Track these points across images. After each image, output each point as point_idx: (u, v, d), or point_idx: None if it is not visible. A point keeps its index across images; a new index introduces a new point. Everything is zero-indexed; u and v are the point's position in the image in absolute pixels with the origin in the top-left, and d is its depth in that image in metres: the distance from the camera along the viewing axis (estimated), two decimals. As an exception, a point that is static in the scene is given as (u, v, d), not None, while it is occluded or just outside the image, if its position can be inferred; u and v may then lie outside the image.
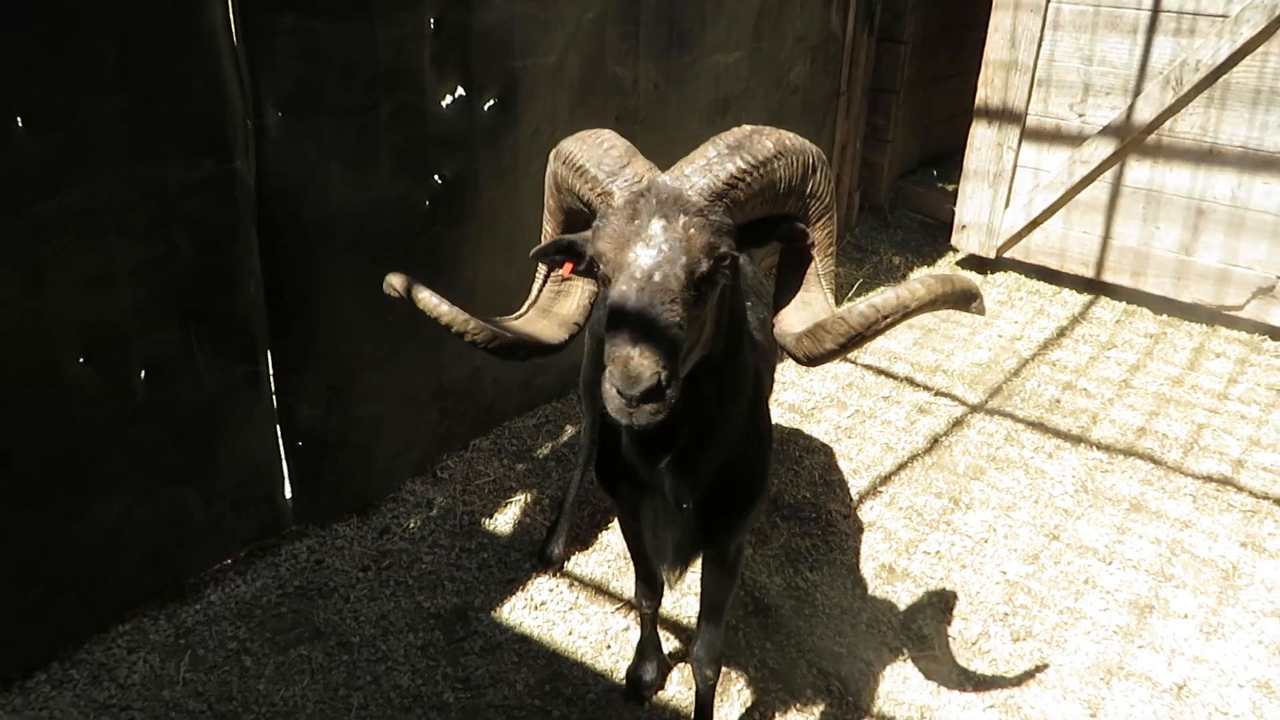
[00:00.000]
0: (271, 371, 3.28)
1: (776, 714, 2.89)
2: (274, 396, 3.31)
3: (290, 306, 3.24)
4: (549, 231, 2.26)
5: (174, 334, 2.96)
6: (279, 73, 2.96)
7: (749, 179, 1.86)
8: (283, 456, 3.39)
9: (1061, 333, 5.19)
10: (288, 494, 3.44)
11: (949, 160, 6.66)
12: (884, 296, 1.74)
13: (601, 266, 1.86)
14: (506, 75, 3.63)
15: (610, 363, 1.73)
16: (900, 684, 3.00)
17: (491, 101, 3.60)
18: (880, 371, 4.76)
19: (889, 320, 1.74)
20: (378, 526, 3.56)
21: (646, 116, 4.35)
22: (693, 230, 1.79)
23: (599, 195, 1.94)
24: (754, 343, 2.30)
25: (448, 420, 3.90)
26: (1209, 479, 3.98)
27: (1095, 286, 5.53)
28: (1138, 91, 5.01)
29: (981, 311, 1.79)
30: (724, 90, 4.77)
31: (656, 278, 1.76)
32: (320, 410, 3.41)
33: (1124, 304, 5.45)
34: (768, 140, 1.89)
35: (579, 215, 2.10)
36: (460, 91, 3.47)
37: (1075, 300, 5.53)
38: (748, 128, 1.93)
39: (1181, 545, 3.60)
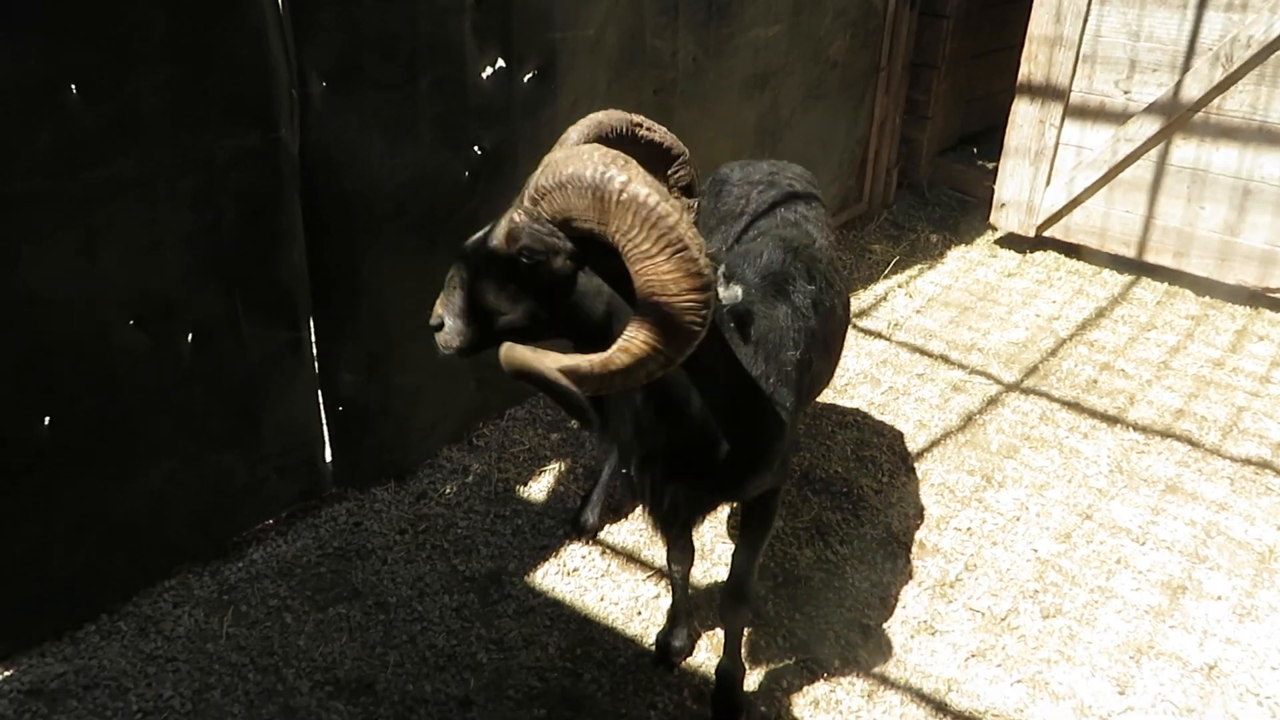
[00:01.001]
0: (313, 339, 3.35)
1: (804, 684, 2.94)
2: (316, 363, 3.38)
3: (332, 276, 3.31)
4: None
5: (220, 301, 3.04)
6: (323, 45, 3.01)
7: (545, 197, 1.91)
8: (324, 422, 3.47)
9: (1100, 313, 5.14)
10: (328, 458, 3.53)
11: (990, 137, 6.58)
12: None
13: None
14: (546, 47, 3.65)
15: None
16: (928, 657, 3.03)
17: (531, 74, 3.63)
18: (915, 349, 4.75)
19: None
20: (415, 491, 3.64)
21: (685, 90, 4.35)
22: (515, 217, 1.97)
23: None
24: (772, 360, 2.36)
25: (484, 390, 3.96)
26: (1248, 462, 3.94)
27: (1136, 267, 5.46)
28: (1186, 68, 4.92)
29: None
30: (762, 64, 4.76)
31: (477, 243, 2.09)
32: (361, 378, 3.48)
33: (1165, 285, 5.39)
34: (566, 167, 1.87)
35: None
36: (500, 63, 3.50)
37: (1115, 280, 5.47)
38: (586, 148, 1.92)
39: (1217, 527, 3.58)
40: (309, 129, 3.08)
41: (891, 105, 6.08)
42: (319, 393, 3.42)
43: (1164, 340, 4.87)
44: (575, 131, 2.22)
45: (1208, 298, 5.24)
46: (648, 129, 2.32)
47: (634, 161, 1.88)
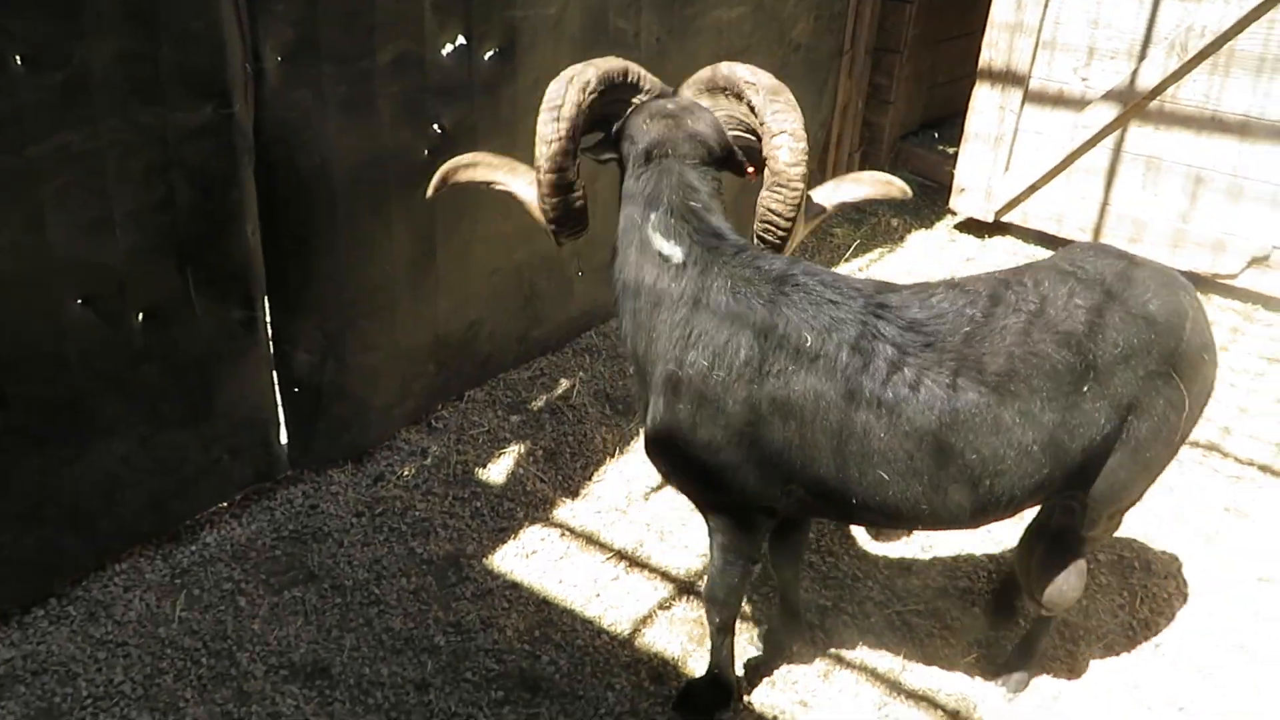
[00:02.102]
0: (268, 318, 3.30)
1: (760, 664, 2.95)
2: (271, 343, 3.33)
3: (287, 254, 3.25)
4: None
5: (172, 279, 2.98)
6: (278, 18, 2.95)
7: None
8: (279, 403, 3.43)
9: (1057, 298, 5.20)
10: (283, 440, 3.48)
11: (951, 123, 6.63)
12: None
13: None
14: (507, 25, 3.61)
15: None
16: (886, 634, 3.06)
17: (492, 51, 3.59)
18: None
19: None
20: (372, 474, 3.60)
21: (650, 70, 4.32)
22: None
23: None
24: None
25: (443, 371, 3.93)
26: (1197, 444, 4.02)
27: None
28: (1142, 56, 4.98)
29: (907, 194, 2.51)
30: (726, 46, 4.74)
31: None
32: (316, 358, 3.43)
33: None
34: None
35: None
36: (461, 40, 3.46)
37: (1072, 266, 5.54)
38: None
39: (1166, 509, 3.65)
40: (264, 104, 3.02)
41: (854, 89, 6.10)
42: (274, 373, 3.38)
43: (1118, 325, 4.94)
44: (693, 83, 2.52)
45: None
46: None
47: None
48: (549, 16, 3.76)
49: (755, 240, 2.43)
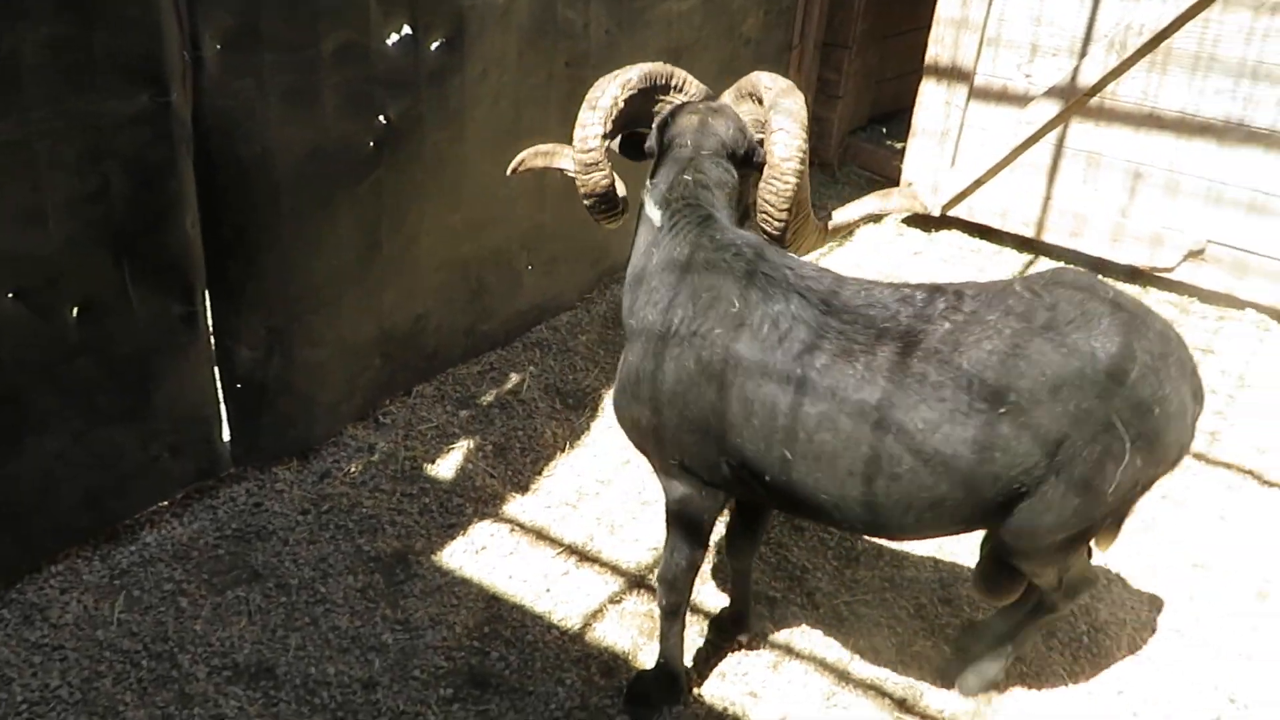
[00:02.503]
0: (209, 312, 3.23)
1: (710, 656, 2.96)
2: (212, 338, 3.26)
3: (229, 246, 3.19)
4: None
5: (107, 271, 2.90)
6: (218, 5, 2.89)
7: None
8: (221, 399, 3.36)
9: (1001, 291, 5.29)
10: (226, 437, 3.41)
11: (899, 118, 6.69)
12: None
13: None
14: (454, 15, 3.57)
15: None
16: (834, 625, 3.09)
17: (439, 42, 3.54)
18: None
19: None
20: (318, 470, 3.55)
21: (597, 62, 4.30)
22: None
23: None
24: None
25: (390, 366, 3.88)
26: (1134, 435, 4.11)
27: (1035, 246, 5.63)
28: (1083, 54, 5.06)
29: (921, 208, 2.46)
30: (676, 39, 4.74)
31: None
32: (260, 353, 3.37)
33: (1062, 264, 5.56)
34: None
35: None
36: (406, 30, 3.41)
37: (1015, 260, 5.63)
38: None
39: (1105, 497, 3.73)
40: (203, 92, 2.96)
41: (803, 84, 6.13)
42: (215, 368, 3.30)
43: (1060, 318, 5.04)
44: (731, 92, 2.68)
45: (1100, 276, 5.42)
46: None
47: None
48: (497, 6, 3.73)
49: (758, 231, 2.55)
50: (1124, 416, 2.21)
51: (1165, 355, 2.28)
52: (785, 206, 2.44)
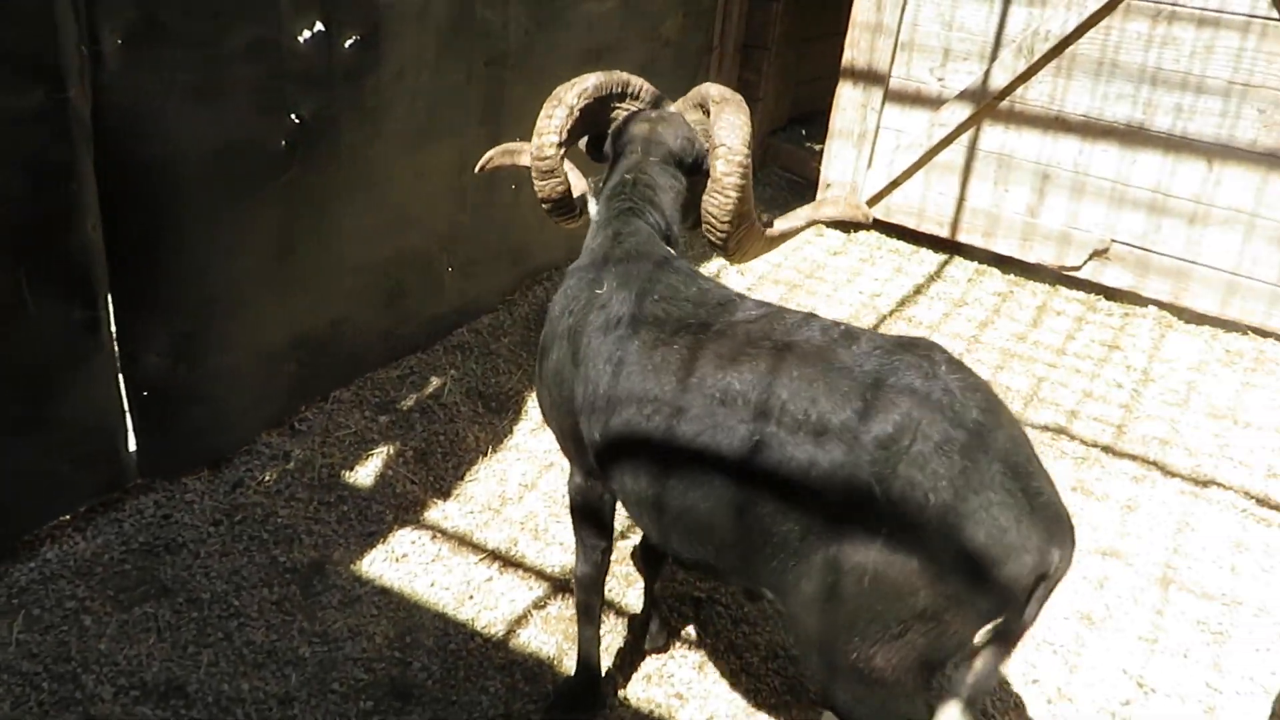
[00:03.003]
0: (113, 318, 3.11)
1: (635, 659, 2.96)
2: (116, 344, 3.13)
3: (133, 250, 3.07)
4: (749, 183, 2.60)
5: (3, 276, 2.77)
6: (116, -3, 2.78)
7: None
8: (126, 408, 3.23)
9: (918, 290, 5.40)
10: (132, 447, 3.28)
11: (818, 119, 6.78)
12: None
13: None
14: (368, 12, 3.50)
15: None
16: (759, 626, 3.11)
17: (353, 39, 3.47)
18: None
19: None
20: (230, 480, 3.44)
21: (516, 63, 4.27)
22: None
23: None
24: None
25: (306, 371, 3.78)
26: (1046, 428, 4.23)
27: (950, 246, 5.76)
28: (993, 58, 5.20)
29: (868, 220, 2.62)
30: (596, 39, 4.73)
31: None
32: (167, 359, 3.25)
33: (975, 263, 5.71)
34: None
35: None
36: (319, 27, 3.33)
37: (931, 259, 5.76)
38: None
39: (1019, 491, 3.83)
40: (103, 89, 2.84)
41: (723, 84, 6.16)
42: (119, 376, 3.18)
43: (974, 316, 5.17)
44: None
45: (1012, 275, 5.58)
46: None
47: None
48: (413, 5, 3.67)
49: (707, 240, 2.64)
50: (887, 492, 1.88)
51: (971, 449, 1.88)
52: (727, 219, 2.52)
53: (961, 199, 5.56)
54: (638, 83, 2.71)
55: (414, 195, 3.99)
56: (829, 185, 5.91)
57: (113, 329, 3.11)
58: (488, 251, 4.53)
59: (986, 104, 5.24)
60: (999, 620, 1.94)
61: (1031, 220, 5.39)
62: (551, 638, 2.99)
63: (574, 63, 4.61)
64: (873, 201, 5.81)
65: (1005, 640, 2.00)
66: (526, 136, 4.21)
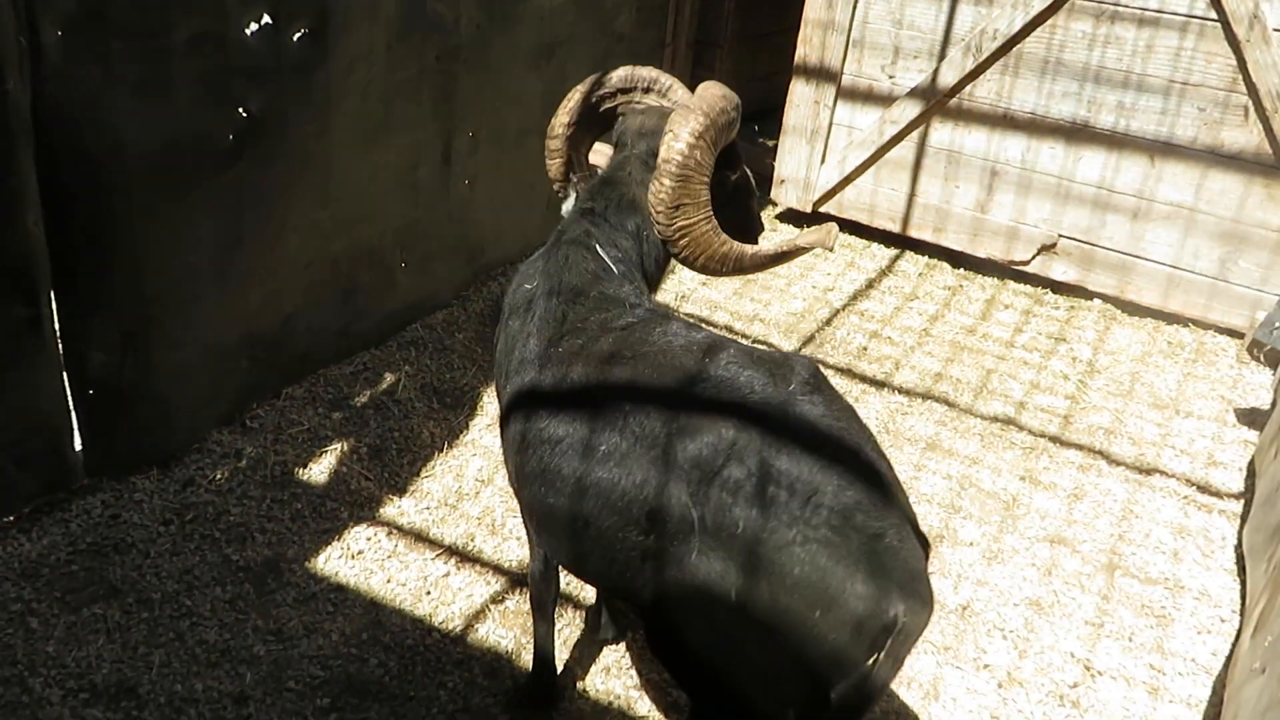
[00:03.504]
0: (56, 315, 3.04)
1: (595, 652, 2.96)
2: (60, 342, 3.07)
3: (76, 245, 3.01)
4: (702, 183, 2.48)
5: (-61, 272, 2.70)
6: (57, -13, 2.72)
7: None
8: (71, 407, 3.17)
9: (870, 284, 5.47)
10: (78, 446, 3.22)
11: (771, 116, 6.83)
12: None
13: (740, 174, 2.72)
14: (317, 5, 3.46)
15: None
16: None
17: (301, 32, 3.43)
18: (701, 320, 4.88)
19: None
20: (181, 479, 3.38)
21: (469, 57, 4.25)
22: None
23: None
24: None
25: (258, 368, 3.74)
26: (995, 419, 4.31)
27: (901, 241, 5.84)
28: (942, 56, 5.28)
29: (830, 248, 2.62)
30: (549, 34, 4.72)
31: None
32: (113, 357, 3.19)
33: (926, 258, 5.79)
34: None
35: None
36: (266, 19, 3.29)
37: (883, 254, 5.83)
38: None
39: (970, 480, 3.90)
40: (43, 81, 2.78)
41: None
42: (64, 374, 3.11)
43: (925, 309, 5.24)
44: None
45: (962, 270, 5.68)
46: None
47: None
48: (363, -2, 3.63)
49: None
50: (706, 511, 1.84)
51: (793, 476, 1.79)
52: (662, 208, 2.44)
53: (912, 195, 5.64)
54: (666, 80, 2.73)
55: (366, 190, 3.96)
56: (783, 181, 5.95)
57: (56, 326, 3.05)
58: (442, 247, 4.50)
59: (936, 101, 5.32)
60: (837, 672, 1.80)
61: (980, 215, 5.48)
62: (510, 632, 2.99)
63: (526, 58, 4.61)
64: (826, 197, 5.87)
65: (854, 694, 1.81)
66: (478, 131, 4.29)
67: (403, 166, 4.12)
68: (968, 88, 5.26)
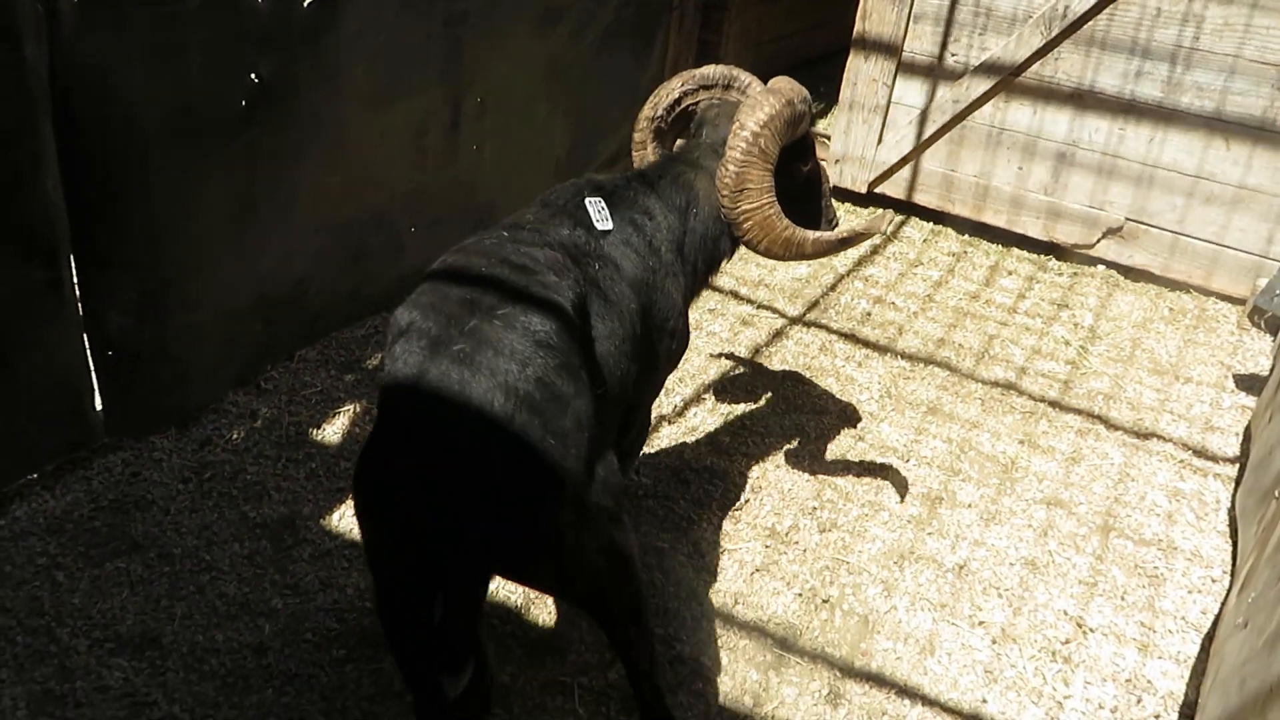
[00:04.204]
0: (76, 278, 3.11)
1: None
2: (79, 304, 3.14)
3: (94, 209, 3.07)
4: (771, 172, 2.70)
5: (-38, 236, 2.77)
6: (73, -46, 2.76)
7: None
8: (91, 367, 3.25)
9: (875, 251, 5.51)
10: (98, 406, 3.30)
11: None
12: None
13: (812, 167, 2.96)
14: (327, -29, 3.48)
15: (830, 210, 3.10)
16: (717, 574, 3.23)
17: (312, -2, 3.46)
18: (707, 286, 4.92)
19: None
20: (198, 438, 3.47)
21: (476, 23, 4.26)
22: None
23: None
24: None
25: (271, 330, 3.81)
26: (996, 384, 4.38)
27: (907, 208, 5.84)
28: (1013, 33, 5.12)
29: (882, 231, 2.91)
30: (555, 0, 4.73)
31: None
32: (132, 319, 3.26)
33: (931, 224, 5.81)
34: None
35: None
36: (277, -15, 3.32)
37: (956, 237, 5.85)
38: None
39: (969, 444, 3.98)
40: (60, 48, 2.82)
41: (684, 45, 6.18)
42: (84, 336, 3.19)
43: (929, 275, 5.29)
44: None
45: (967, 236, 5.70)
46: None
47: None
48: (372, -37, 3.66)
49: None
50: None
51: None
52: (727, 191, 2.68)
53: (917, 164, 5.64)
54: (745, 78, 2.92)
55: (375, 155, 4.00)
56: (837, 161, 5.86)
57: (76, 289, 3.12)
58: (450, 211, 4.55)
59: (1003, 79, 5.18)
60: None
61: (1055, 200, 5.37)
62: (519, 588, 3.08)
63: (533, 22, 4.62)
64: (883, 177, 5.74)
65: None
66: (486, 96, 4.33)
67: (411, 131, 4.15)
68: (1035, 65, 5.12)
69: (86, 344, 3.20)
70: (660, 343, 2.70)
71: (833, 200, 3.16)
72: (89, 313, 3.17)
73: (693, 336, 4.49)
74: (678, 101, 2.97)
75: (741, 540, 3.37)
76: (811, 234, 2.79)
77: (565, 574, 2.16)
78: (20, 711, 2.52)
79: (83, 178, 3.00)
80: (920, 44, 5.45)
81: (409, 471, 1.96)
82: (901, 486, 3.70)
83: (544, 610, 3.00)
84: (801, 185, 2.92)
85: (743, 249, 2.95)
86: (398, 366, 2.01)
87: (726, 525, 3.43)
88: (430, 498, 1.95)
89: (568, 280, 2.23)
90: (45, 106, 2.83)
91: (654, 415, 3.94)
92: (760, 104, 2.63)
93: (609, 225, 2.54)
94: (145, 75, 3.03)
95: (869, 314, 4.86)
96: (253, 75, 3.35)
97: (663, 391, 4.09)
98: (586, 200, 2.56)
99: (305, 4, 3.43)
